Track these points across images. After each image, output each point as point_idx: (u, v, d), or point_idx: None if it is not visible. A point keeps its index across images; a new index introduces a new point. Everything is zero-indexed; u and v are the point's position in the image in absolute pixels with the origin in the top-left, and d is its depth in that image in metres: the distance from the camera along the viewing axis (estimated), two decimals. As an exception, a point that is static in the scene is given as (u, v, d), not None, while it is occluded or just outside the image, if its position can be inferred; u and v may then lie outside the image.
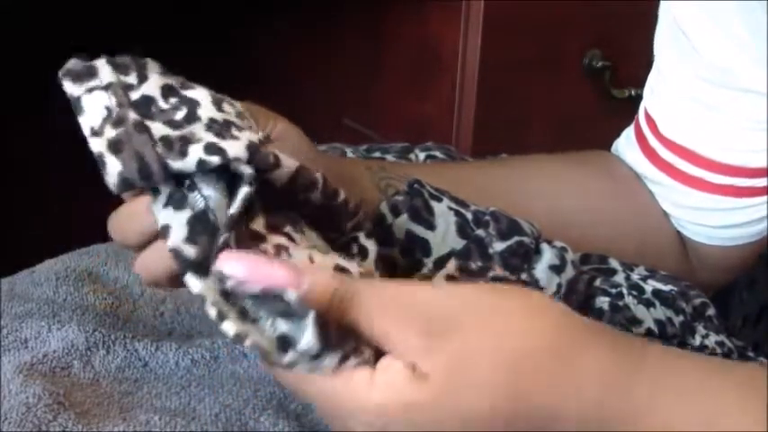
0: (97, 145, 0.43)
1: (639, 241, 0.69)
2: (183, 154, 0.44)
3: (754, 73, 0.61)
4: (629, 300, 0.59)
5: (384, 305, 0.41)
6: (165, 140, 0.44)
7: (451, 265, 0.54)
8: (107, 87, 0.45)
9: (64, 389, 0.47)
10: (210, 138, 0.44)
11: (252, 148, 0.44)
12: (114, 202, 0.47)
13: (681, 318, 0.59)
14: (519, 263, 0.54)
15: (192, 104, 0.46)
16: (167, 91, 0.46)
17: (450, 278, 0.54)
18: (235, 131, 0.45)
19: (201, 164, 0.44)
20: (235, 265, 0.40)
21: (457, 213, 0.56)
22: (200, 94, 0.47)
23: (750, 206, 0.66)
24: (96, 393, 0.48)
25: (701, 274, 0.69)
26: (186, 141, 0.44)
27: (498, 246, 0.54)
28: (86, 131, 0.44)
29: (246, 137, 0.45)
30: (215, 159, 0.44)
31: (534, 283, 0.55)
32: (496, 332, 0.41)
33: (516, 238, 0.55)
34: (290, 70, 1.25)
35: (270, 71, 1.26)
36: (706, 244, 0.70)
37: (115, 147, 0.43)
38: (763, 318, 0.94)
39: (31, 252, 0.61)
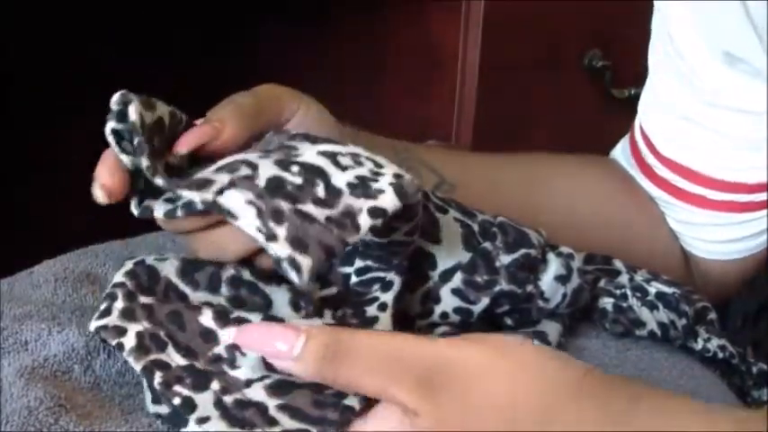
0: (279, 248, 0.42)
1: (648, 250, 0.69)
2: (357, 228, 0.44)
3: (747, 92, 0.61)
4: (632, 301, 0.58)
5: (377, 362, 0.41)
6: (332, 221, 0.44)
7: (458, 279, 0.54)
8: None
9: (65, 392, 0.47)
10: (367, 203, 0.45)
11: (399, 189, 0.46)
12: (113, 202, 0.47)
13: (684, 321, 0.59)
14: (525, 276, 0.54)
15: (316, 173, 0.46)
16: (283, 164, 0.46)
17: (455, 292, 0.54)
18: (373, 183, 0.46)
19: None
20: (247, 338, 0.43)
21: (463, 225, 0.55)
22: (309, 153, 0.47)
23: (750, 220, 0.66)
24: (97, 397, 0.48)
25: (703, 288, 0.68)
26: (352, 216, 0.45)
27: (505, 259, 0.54)
28: (259, 239, 0.43)
29: (386, 181, 0.47)
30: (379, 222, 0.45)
31: (539, 295, 0.55)
32: (483, 393, 0.41)
33: (523, 251, 0.54)
34: (290, 71, 1.24)
35: (269, 72, 1.25)
36: (706, 258, 0.69)
37: (299, 243, 0.43)
38: (762, 317, 0.94)
39: (29, 252, 0.61)
